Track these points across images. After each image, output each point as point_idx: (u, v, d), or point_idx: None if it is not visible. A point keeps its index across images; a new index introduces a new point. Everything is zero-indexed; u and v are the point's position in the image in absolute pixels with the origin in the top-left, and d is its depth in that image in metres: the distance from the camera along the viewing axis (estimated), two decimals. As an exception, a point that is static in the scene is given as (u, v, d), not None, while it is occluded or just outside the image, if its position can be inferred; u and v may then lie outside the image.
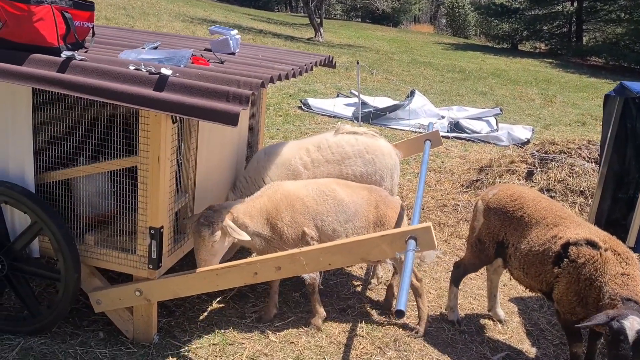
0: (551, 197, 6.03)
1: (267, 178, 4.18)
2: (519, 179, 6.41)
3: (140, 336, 3.63)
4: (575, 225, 3.54)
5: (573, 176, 6.26)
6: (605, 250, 3.28)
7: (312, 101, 10.68)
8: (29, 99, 3.29)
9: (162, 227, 3.34)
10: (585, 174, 6.26)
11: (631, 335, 2.91)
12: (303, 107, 10.48)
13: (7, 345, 3.52)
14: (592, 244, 3.31)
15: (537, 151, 6.74)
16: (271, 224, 3.71)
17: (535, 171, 6.41)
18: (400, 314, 2.48)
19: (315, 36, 23.24)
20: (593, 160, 6.48)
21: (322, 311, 3.99)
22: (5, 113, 3.35)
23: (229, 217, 3.55)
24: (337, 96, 11.47)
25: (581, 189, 6.11)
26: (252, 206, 3.72)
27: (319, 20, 24.01)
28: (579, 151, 6.61)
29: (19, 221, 3.52)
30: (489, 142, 9.37)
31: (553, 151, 6.65)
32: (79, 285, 3.51)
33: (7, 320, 3.64)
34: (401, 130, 9.65)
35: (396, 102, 10.65)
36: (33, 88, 3.23)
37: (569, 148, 6.67)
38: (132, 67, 3.08)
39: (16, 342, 3.55)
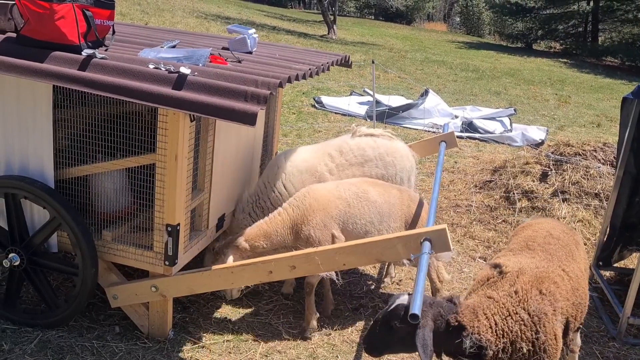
0: (565, 199, 6.01)
1: (289, 184, 4.15)
2: (534, 181, 6.38)
3: (155, 331, 3.68)
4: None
5: (588, 178, 6.21)
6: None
7: (325, 99, 10.69)
8: (49, 96, 3.34)
9: (178, 224, 3.37)
10: (600, 177, 6.22)
11: (395, 304, 2.76)
12: (316, 105, 10.49)
13: (26, 338, 3.58)
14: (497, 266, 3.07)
15: (552, 152, 6.70)
16: (297, 230, 3.74)
17: (549, 173, 6.37)
18: (414, 317, 2.47)
19: (328, 33, 23.21)
20: (608, 162, 6.44)
21: (315, 316, 3.95)
22: (26, 110, 3.40)
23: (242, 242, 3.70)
24: (351, 94, 11.47)
25: (596, 191, 6.07)
26: (271, 225, 3.77)
27: (332, 17, 23.96)
28: (594, 153, 6.56)
29: (38, 216, 3.57)
30: (502, 143, 9.32)
31: (568, 153, 6.61)
32: (96, 280, 3.55)
33: (26, 313, 3.70)
34: (414, 129, 9.63)
35: (410, 101, 10.63)
36: (53, 85, 3.27)
37: (584, 150, 6.62)
38: (151, 66, 3.11)
39: (34, 335, 3.61)
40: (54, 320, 3.65)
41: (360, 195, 3.86)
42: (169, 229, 3.35)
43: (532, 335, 2.71)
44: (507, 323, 2.71)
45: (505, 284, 2.85)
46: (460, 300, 2.83)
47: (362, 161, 4.31)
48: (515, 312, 2.73)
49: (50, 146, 3.43)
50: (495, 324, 2.70)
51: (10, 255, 3.52)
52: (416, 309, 2.41)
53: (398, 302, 2.72)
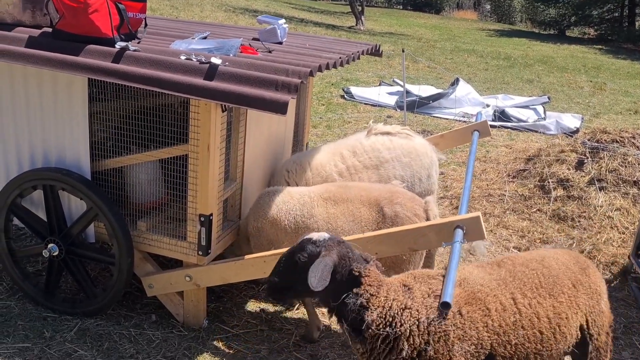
0: (602, 187, 5.86)
1: (293, 183, 4.07)
2: (569, 169, 6.23)
3: (190, 320, 3.73)
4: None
5: (626, 166, 6.04)
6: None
7: (354, 90, 10.64)
8: (85, 88, 3.40)
9: (211, 214, 3.40)
10: (639, 164, 6.04)
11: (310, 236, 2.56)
12: (345, 96, 10.45)
13: (66, 326, 3.68)
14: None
15: (588, 140, 6.54)
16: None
17: (585, 161, 6.22)
18: (446, 305, 2.43)
19: (356, 24, 23.06)
20: (647, 149, 6.25)
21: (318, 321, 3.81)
22: (63, 103, 3.47)
23: None
24: (380, 85, 11.39)
25: (635, 179, 5.90)
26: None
27: (360, 8, 23.79)
28: (632, 140, 6.36)
29: (76, 207, 3.65)
30: (536, 131, 9.14)
31: (605, 140, 6.43)
32: (132, 269, 3.62)
33: (65, 302, 3.79)
34: (445, 119, 9.51)
35: (440, 90, 10.50)
36: (89, 78, 3.33)
37: (621, 137, 6.42)
38: (183, 57, 3.14)
39: (74, 323, 3.70)
40: (92, 308, 3.73)
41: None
42: (202, 219, 3.39)
43: (420, 344, 2.43)
44: (400, 315, 2.45)
45: (433, 284, 2.60)
46: (376, 263, 2.62)
47: (378, 163, 4.13)
48: (417, 311, 2.46)
49: (86, 138, 3.50)
50: (390, 308, 2.46)
51: (50, 245, 3.61)
52: (447, 297, 2.38)
53: (305, 236, 2.56)
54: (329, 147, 4.31)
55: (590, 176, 6.04)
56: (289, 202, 3.65)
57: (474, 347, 2.46)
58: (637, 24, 29.25)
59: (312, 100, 9.87)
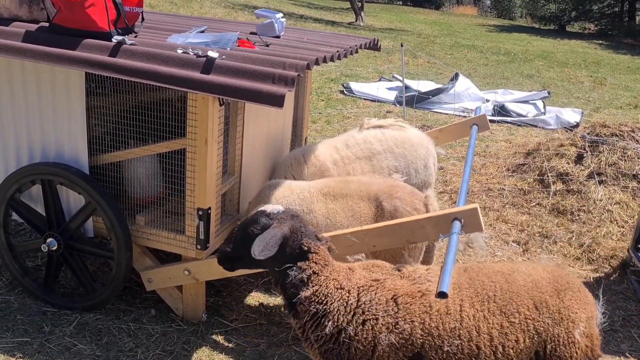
0: (601, 181, 5.85)
1: (290, 176, 4.10)
2: (568, 163, 6.23)
3: (189, 314, 3.74)
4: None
5: (625, 160, 6.03)
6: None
7: (354, 85, 10.63)
8: (82, 83, 3.40)
9: (209, 208, 3.40)
10: (638, 158, 6.03)
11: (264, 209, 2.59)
12: (345, 92, 10.44)
13: (65, 320, 3.69)
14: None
15: (588, 134, 6.53)
16: None
17: (585, 155, 6.21)
18: (442, 295, 2.44)
19: (356, 20, 23.02)
20: (647, 143, 6.24)
21: None
22: (60, 97, 3.47)
23: None
24: (379, 80, 11.38)
25: (634, 172, 5.90)
26: None
27: (360, 4, 23.74)
28: (632, 134, 6.35)
29: (74, 202, 3.66)
30: (536, 126, 9.12)
31: (604, 134, 6.42)
32: (131, 263, 3.62)
33: (65, 297, 3.80)
34: (445, 114, 9.50)
35: (439, 85, 10.49)
36: (86, 72, 3.33)
37: (621, 131, 6.42)
38: (180, 51, 3.13)
39: (73, 318, 3.71)
40: (91, 303, 3.74)
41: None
42: (200, 213, 3.39)
43: (342, 323, 2.43)
44: (333, 294, 2.46)
45: (384, 273, 2.59)
46: (330, 245, 2.62)
47: (370, 155, 4.17)
48: (348, 292, 2.47)
49: (84, 133, 3.50)
50: (326, 287, 2.47)
51: (48, 240, 3.62)
52: (444, 287, 2.38)
53: (260, 208, 2.59)
54: (324, 142, 4.38)
55: (589, 170, 6.04)
56: (288, 196, 3.65)
57: (403, 340, 2.40)
58: (637, 18, 29.16)
59: (312, 95, 9.88)
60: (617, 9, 29.68)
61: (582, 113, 9.93)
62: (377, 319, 2.42)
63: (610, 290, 4.67)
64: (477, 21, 30.81)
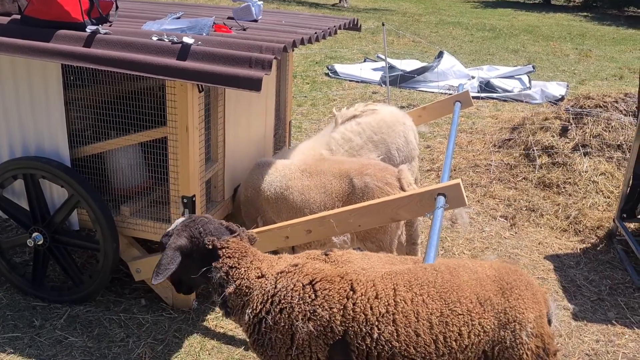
0: (586, 153, 5.89)
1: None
2: (553, 136, 6.25)
3: (179, 302, 3.75)
4: None
5: (610, 130, 6.06)
6: None
7: (338, 67, 10.58)
8: (58, 75, 3.37)
9: (194, 195, 3.40)
10: (622, 128, 6.06)
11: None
12: (330, 74, 10.40)
13: (55, 314, 3.69)
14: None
15: (572, 106, 6.55)
16: None
17: (569, 127, 6.24)
18: None
19: (340, 2, 22.83)
20: (630, 113, 6.27)
21: None
22: (38, 90, 3.44)
23: None
24: (364, 61, 11.33)
25: (618, 143, 5.93)
26: None
27: (343, -15, 23.52)
28: (615, 105, 6.38)
29: (58, 195, 3.64)
30: (521, 101, 9.14)
31: (588, 106, 6.45)
32: (118, 254, 3.62)
33: (54, 290, 3.80)
34: (430, 92, 9.49)
35: (424, 64, 10.46)
36: (62, 64, 3.30)
37: (605, 102, 6.45)
38: (154, 38, 3.10)
39: (63, 311, 3.71)
40: (80, 295, 3.74)
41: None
42: (185, 200, 3.39)
43: (261, 312, 2.34)
44: (254, 283, 2.38)
45: (308, 257, 2.49)
46: (247, 234, 2.52)
47: (354, 152, 4.15)
48: (266, 279, 2.38)
49: (63, 125, 3.47)
50: (248, 279, 2.40)
51: (34, 234, 3.60)
52: (430, 261, 2.41)
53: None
54: (305, 148, 4.22)
55: (574, 142, 6.07)
56: (272, 173, 3.79)
57: (321, 328, 2.27)
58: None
59: (296, 79, 9.84)
60: (601, -20, 29.58)
61: (568, 86, 9.95)
62: (292, 307, 2.30)
63: (597, 260, 4.73)
64: (462, -2, 30.64)
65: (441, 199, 2.90)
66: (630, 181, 4.83)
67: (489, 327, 2.28)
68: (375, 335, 2.22)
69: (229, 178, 3.94)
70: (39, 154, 3.58)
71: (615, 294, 4.27)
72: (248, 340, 2.46)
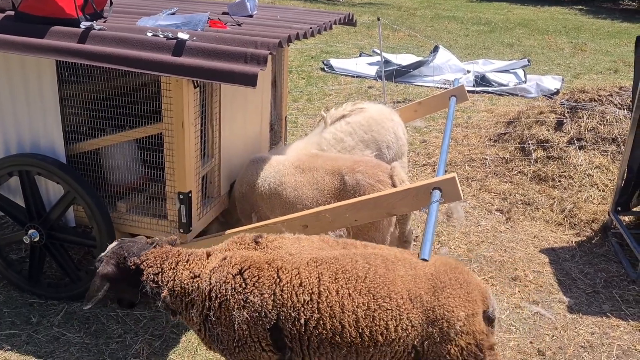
0: (581, 146, 5.91)
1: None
2: (549, 130, 6.28)
3: (176, 298, 3.75)
4: None
5: (604, 124, 6.09)
6: None
7: (334, 62, 10.56)
8: (53, 71, 3.35)
9: (190, 191, 3.40)
10: (617, 122, 6.08)
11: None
12: (325, 69, 10.38)
13: (52, 310, 3.69)
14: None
15: (567, 100, 6.57)
16: None
17: (564, 121, 6.26)
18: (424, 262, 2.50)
19: (335, -4, 22.75)
20: (625, 106, 6.29)
21: None
22: (32, 87, 3.43)
23: None
24: (360, 55, 11.31)
25: (613, 136, 5.95)
26: None
27: (338, -21, 23.44)
28: (610, 98, 6.40)
29: (54, 192, 3.63)
30: (516, 95, 9.15)
31: (583, 99, 6.47)
32: (115, 251, 3.61)
33: (50, 287, 3.80)
34: (426, 87, 9.49)
35: (420, 58, 10.45)
36: (57, 61, 3.28)
37: (599, 95, 6.46)
38: (149, 34, 3.09)
39: (60, 307, 3.71)
40: (77, 292, 3.74)
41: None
42: (181, 196, 3.39)
43: (204, 309, 2.45)
44: (190, 284, 2.49)
45: (238, 247, 2.57)
46: (170, 241, 2.65)
47: (346, 153, 4.15)
48: (200, 278, 2.47)
49: (58, 122, 3.46)
50: (180, 280, 2.50)
51: (30, 231, 3.60)
52: (426, 255, 2.43)
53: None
54: (298, 149, 4.19)
55: (569, 136, 6.09)
56: (266, 169, 3.80)
57: (256, 314, 2.36)
58: (616, -18, 29.08)
59: (292, 74, 9.81)
60: (596, -26, 29.56)
61: (563, 80, 9.97)
62: (227, 299, 2.39)
63: (592, 253, 4.76)
64: (457, -8, 30.58)
65: (437, 193, 2.91)
66: (625, 174, 4.86)
67: (417, 322, 2.36)
68: (302, 321, 2.34)
69: (225, 174, 3.94)
70: (35, 151, 3.57)
71: (610, 286, 4.30)
72: (200, 339, 2.58)
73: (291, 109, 7.80)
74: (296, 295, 2.36)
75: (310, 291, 2.36)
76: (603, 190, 5.53)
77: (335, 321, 2.33)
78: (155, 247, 2.59)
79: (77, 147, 3.59)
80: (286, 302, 2.36)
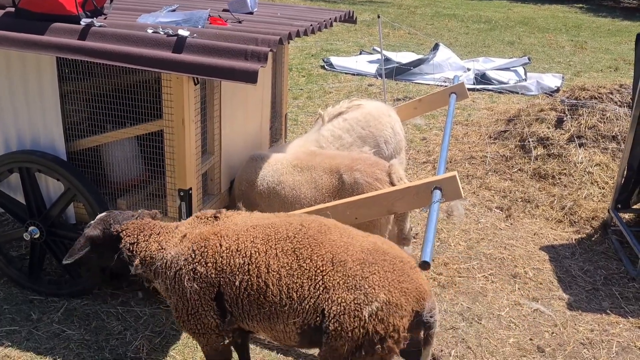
0: (582, 144, 5.91)
1: None
2: (549, 128, 6.27)
3: (176, 295, 3.75)
4: None
5: (604, 122, 6.08)
6: None
7: (334, 60, 10.56)
8: (53, 68, 3.35)
9: (190, 188, 3.40)
10: (617, 119, 6.08)
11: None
12: (326, 67, 10.38)
13: (53, 307, 3.69)
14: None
15: (567, 98, 6.57)
16: None
17: (565, 118, 6.26)
18: (425, 265, 2.48)
19: (335, -6, 22.72)
20: (625, 104, 6.29)
21: None
22: (32, 84, 3.43)
23: None
24: (360, 53, 11.31)
25: (613, 134, 5.95)
26: None
27: (338, -23, 23.41)
28: (610, 96, 6.40)
29: (54, 189, 3.63)
30: (517, 93, 9.15)
31: (583, 97, 6.46)
32: (115, 248, 3.61)
33: (51, 284, 3.80)
34: (426, 84, 9.49)
35: (420, 56, 10.45)
36: (57, 58, 3.28)
37: (600, 93, 6.46)
38: (150, 31, 3.09)
39: (60, 304, 3.72)
40: (78, 289, 3.75)
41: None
42: (181, 193, 3.39)
43: (166, 281, 2.63)
44: (157, 255, 2.67)
45: (198, 222, 2.72)
46: (150, 213, 2.85)
47: (344, 150, 4.18)
48: (165, 249, 2.66)
49: (59, 119, 3.46)
50: (151, 250, 2.68)
51: (30, 228, 3.60)
52: (427, 257, 2.42)
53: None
54: (297, 146, 4.18)
55: (569, 133, 6.09)
56: (265, 168, 3.81)
57: (204, 284, 2.53)
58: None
59: (292, 72, 9.81)
60: (596, -28, 29.53)
61: (563, 78, 9.97)
62: (180, 269, 2.58)
63: (592, 250, 4.76)
64: (457, -10, 30.56)
65: (437, 193, 2.91)
66: (625, 172, 4.86)
67: (331, 285, 2.33)
68: (237, 283, 2.47)
69: (226, 171, 3.94)
70: (35, 148, 3.57)
71: (609, 283, 4.30)
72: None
73: (291, 107, 7.80)
74: (233, 260, 2.50)
75: (243, 254, 2.50)
76: (603, 188, 5.53)
77: (260, 281, 2.44)
78: (136, 218, 2.78)
79: (78, 144, 3.59)
80: (225, 267, 2.51)
